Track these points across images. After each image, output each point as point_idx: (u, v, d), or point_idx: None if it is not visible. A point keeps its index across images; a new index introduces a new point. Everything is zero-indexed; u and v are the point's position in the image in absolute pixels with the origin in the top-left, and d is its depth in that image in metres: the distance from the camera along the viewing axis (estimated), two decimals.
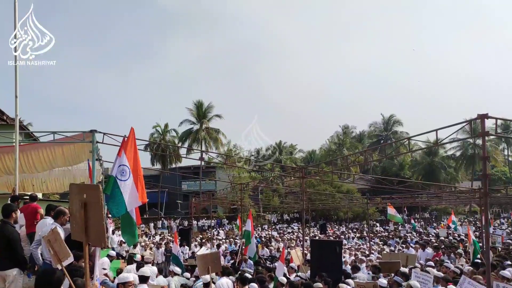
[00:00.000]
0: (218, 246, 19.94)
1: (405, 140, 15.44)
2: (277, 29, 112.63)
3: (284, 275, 9.69)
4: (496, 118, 7.69)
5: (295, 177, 23.87)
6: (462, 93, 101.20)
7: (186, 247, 18.82)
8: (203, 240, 22.49)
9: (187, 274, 11.01)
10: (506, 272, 8.73)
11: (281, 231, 32.52)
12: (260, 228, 36.22)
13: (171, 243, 17.44)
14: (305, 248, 15.66)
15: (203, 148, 47.32)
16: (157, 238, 25.07)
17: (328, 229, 32.42)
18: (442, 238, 22.43)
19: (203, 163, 44.60)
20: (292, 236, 26.48)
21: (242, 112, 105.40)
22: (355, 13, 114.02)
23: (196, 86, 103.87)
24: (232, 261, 15.99)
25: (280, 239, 23.38)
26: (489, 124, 7.78)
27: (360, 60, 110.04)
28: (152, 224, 37.74)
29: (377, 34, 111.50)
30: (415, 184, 36.14)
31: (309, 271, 10.75)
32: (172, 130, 51.57)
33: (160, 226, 38.26)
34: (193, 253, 17.65)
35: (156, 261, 17.26)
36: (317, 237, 25.13)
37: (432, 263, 11.83)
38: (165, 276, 11.11)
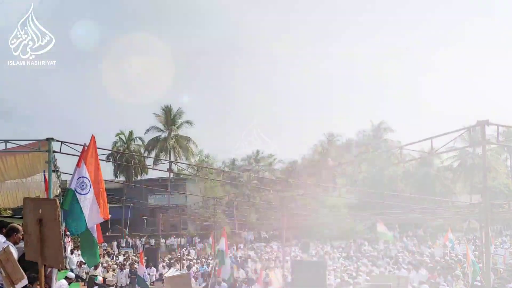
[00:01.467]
0: (189, 267, 20.01)
1: (397, 149, 15.87)
2: (253, 26, 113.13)
3: None
4: (498, 125, 7.92)
5: (274, 191, 24.17)
6: (462, 98, 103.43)
7: (153, 268, 18.89)
8: (172, 261, 22.51)
9: None
10: None
11: (259, 251, 32.70)
12: (235, 247, 36.25)
13: (136, 263, 17.48)
14: (285, 269, 15.91)
15: (172, 158, 47.15)
16: (121, 258, 24.94)
17: (311, 248, 32.68)
18: (438, 258, 22.77)
19: (172, 174, 44.47)
20: (270, 256, 26.70)
21: (215, 118, 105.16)
22: (341, 8, 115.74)
23: (163, 89, 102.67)
24: (204, 284, 16.11)
25: (258, 259, 23.58)
26: (490, 131, 7.94)
27: (347, 61, 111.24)
28: (115, 243, 37.35)
29: (365, 31, 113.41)
30: (408, 198, 36.76)
31: None
32: (138, 138, 51.18)
33: (124, 245, 37.90)
34: (160, 275, 17.70)
35: (120, 283, 17.24)
36: (298, 257, 25.40)
37: (426, 286, 12.15)
38: None
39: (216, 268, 14.99)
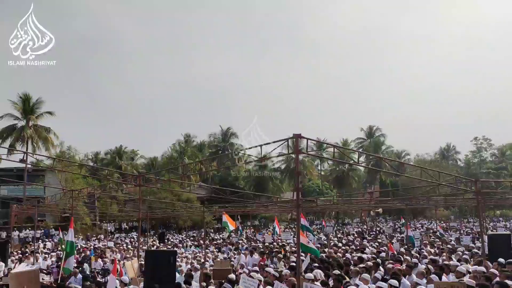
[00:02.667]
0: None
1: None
2: (115, 23, 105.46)
3: None
4: (307, 139, 8.95)
5: (131, 185, 23.03)
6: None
7: (1, 263, 16.04)
8: (27, 254, 19.47)
9: None
10: (310, 275, 10.16)
11: (120, 241, 30.61)
12: (96, 238, 33.64)
13: None
14: (142, 259, 15.16)
15: (30, 149, 41.04)
16: None
17: (166, 238, 31.96)
18: (267, 243, 23.52)
19: (28, 165, 38.77)
20: (129, 246, 25.20)
21: (78, 111, 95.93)
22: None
23: (20, 78, 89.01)
24: (57, 277, 14.25)
25: (117, 250, 21.92)
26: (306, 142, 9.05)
27: (205, 64, 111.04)
28: None
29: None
30: (247, 194, 38.66)
31: (143, 283, 10.50)
32: None
33: None
34: (10, 270, 15.16)
35: None
36: (155, 247, 24.56)
37: (257, 268, 12.67)
38: None
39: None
